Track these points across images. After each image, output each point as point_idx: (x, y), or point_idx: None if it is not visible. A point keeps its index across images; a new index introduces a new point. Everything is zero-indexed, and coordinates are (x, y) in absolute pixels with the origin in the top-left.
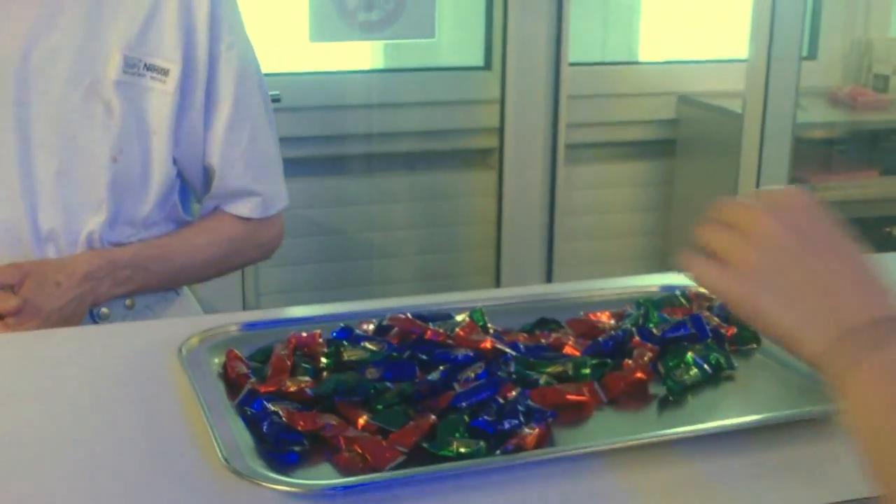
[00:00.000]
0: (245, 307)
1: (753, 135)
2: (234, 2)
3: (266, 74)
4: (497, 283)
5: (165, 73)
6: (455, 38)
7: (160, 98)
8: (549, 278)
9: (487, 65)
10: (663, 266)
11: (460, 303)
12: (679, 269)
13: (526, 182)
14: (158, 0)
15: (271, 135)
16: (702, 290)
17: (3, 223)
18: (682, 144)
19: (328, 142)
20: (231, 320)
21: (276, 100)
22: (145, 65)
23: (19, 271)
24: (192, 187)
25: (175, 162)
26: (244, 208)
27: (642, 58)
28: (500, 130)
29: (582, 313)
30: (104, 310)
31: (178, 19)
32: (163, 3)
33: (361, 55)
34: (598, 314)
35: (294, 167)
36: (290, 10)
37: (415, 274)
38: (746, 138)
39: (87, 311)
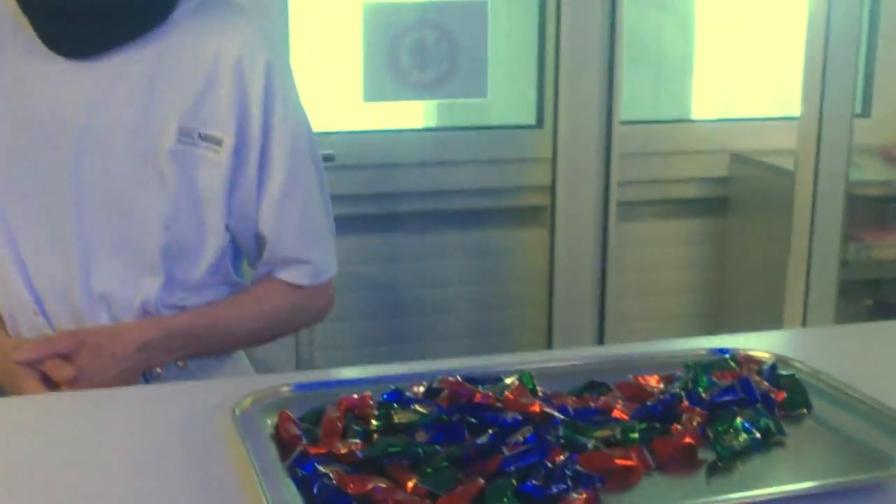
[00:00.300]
0: (298, 361)
1: (806, 193)
2: (289, 72)
3: (320, 133)
4: (548, 340)
5: (219, 143)
6: (507, 96)
7: (213, 168)
8: (600, 335)
9: (539, 123)
10: (717, 323)
11: (509, 365)
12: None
13: (578, 239)
14: (214, 72)
15: (323, 203)
16: (751, 353)
17: (58, 285)
18: (734, 202)
19: (381, 199)
20: (283, 381)
21: (329, 159)
22: (199, 134)
23: (75, 340)
24: (245, 253)
25: (228, 229)
26: (295, 276)
27: (695, 115)
28: (552, 188)
29: (630, 376)
30: (157, 370)
31: (233, 92)
32: (219, 75)
33: (414, 113)
34: (647, 377)
35: (347, 225)
36: (345, 70)
37: (466, 330)
38: (799, 196)
39: (140, 375)
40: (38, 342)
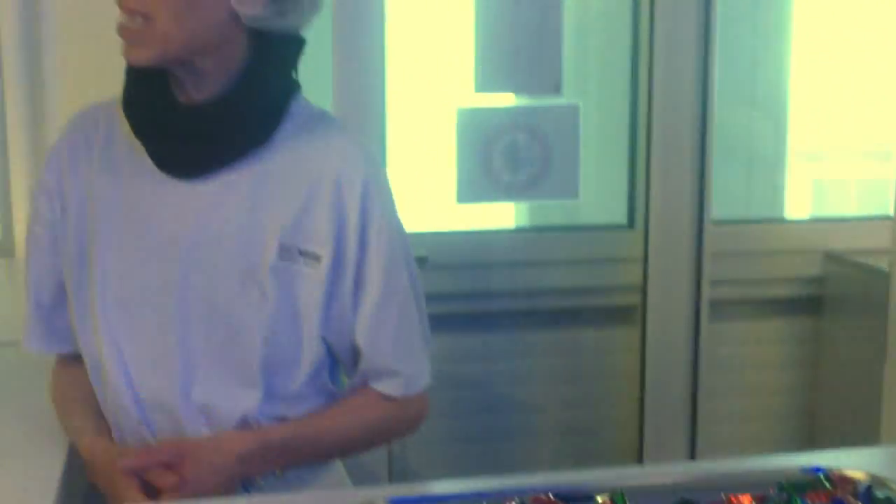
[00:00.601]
0: (390, 457)
1: None
2: (386, 187)
3: (413, 234)
4: (640, 438)
5: (318, 258)
6: (598, 196)
7: (312, 283)
8: (692, 434)
9: (631, 223)
10: (810, 424)
11: (601, 481)
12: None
13: (669, 339)
14: (315, 190)
15: (417, 314)
16: (846, 473)
17: (161, 397)
18: (828, 302)
19: (474, 298)
20: (379, 494)
21: (422, 261)
22: (299, 251)
23: (177, 450)
24: (341, 362)
25: (324, 340)
26: (389, 387)
27: (788, 214)
28: (643, 288)
29: (723, 495)
30: (257, 479)
31: (332, 209)
32: (319, 193)
33: (506, 213)
34: (740, 497)
35: (439, 323)
36: (439, 172)
37: (556, 427)
38: (893, 297)
39: (239, 484)
40: (142, 451)
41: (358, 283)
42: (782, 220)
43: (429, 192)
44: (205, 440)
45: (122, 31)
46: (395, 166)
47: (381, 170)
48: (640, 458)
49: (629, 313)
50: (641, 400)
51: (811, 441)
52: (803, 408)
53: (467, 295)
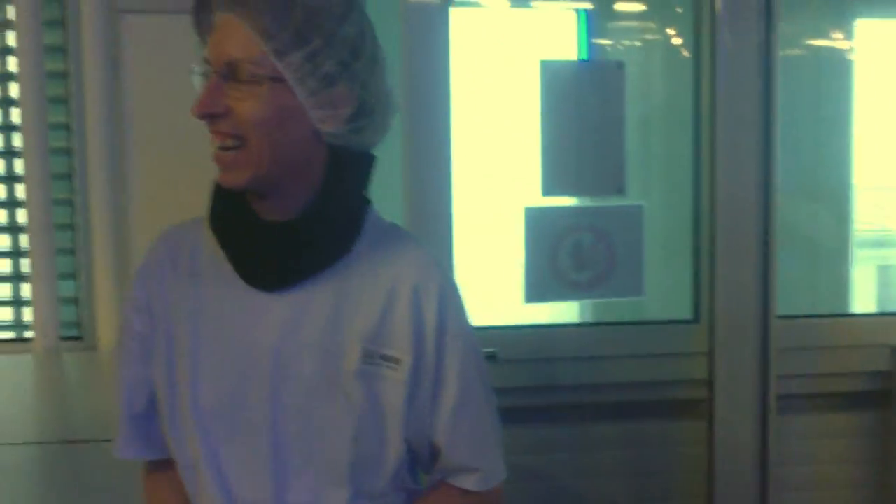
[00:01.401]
0: None
1: None
2: (457, 294)
3: (481, 328)
4: None
5: (398, 362)
6: (663, 291)
7: (393, 386)
8: None
9: (696, 318)
10: None
11: None
12: None
13: (737, 433)
14: (393, 298)
15: (490, 412)
16: None
17: (254, 497)
18: None
19: (541, 392)
20: None
21: (491, 357)
22: (381, 355)
23: None
24: (419, 460)
25: (404, 440)
26: (467, 482)
27: (854, 309)
28: (710, 382)
29: None
30: None
31: (410, 315)
32: (397, 301)
33: (573, 308)
34: None
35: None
36: (506, 271)
37: None
38: None
39: None
40: None
41: (436, 385)
42: (849, 314)
43: (497, 292)
44: None
45: (219, 158)
46: (463, 267)
47: (451, 278)
48: None
49: (695, 406)
50: (710, 495)
51: None
52: (872, 502)
53: (534, 388)
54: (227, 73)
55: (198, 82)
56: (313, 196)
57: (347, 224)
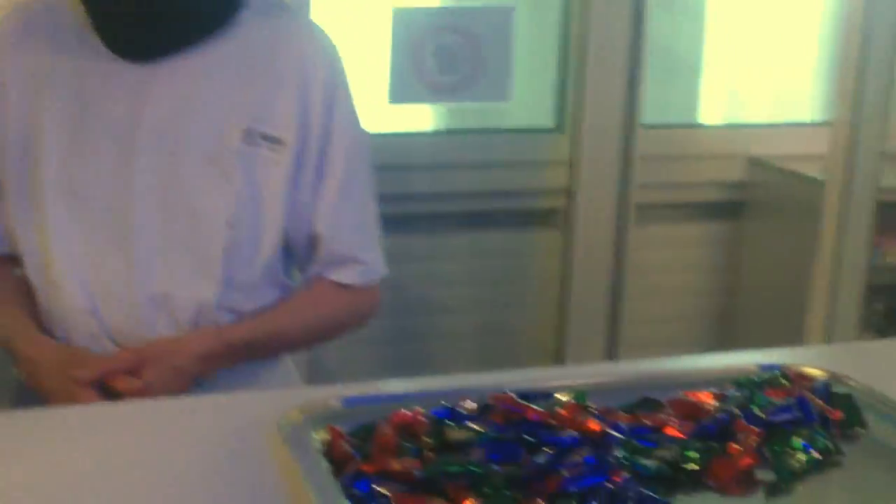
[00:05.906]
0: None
1: (834, 199)
2: (346, 80)
3: None
4: (560, 341)
5: (281, 143)
6: (528, 100)
7: (274, 168)
8: (614, 335)
9: (559, 127)
10: (732, 326)
11: (558, 379)
12: None
13: (594, 242)
14: (278, 75)
15: (374, 208)
16: (803, 370)
17: (116, 286)
18: (751, 206)
19: (395, 201)
20: (332, 394)
21: None
22: (263, 136)
23: (138, 357)
24: (296, 254)
25: (283, 229)
26: (347, 275)
27: (705, 120)
28: (570, 191)
29: (682, 393)
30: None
31: (297, 95)
32: (283, 79)
33: (436, 115)
34: (699, 394)
35: None
36: (371, 72)
37: (477, 330)
38: (828, 202)
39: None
40: (100, 360)
41: (321, 169)
42: (706, 125)
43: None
44: (164, 342)
45: None
46: None
47: (341, 60)
48: (560, 360)
49: (552, 216)
50: (563, 302)
51: (731, 342)
52: (725, 310)
53: (389, 197)
54: None
55: None
56: None
57: None
